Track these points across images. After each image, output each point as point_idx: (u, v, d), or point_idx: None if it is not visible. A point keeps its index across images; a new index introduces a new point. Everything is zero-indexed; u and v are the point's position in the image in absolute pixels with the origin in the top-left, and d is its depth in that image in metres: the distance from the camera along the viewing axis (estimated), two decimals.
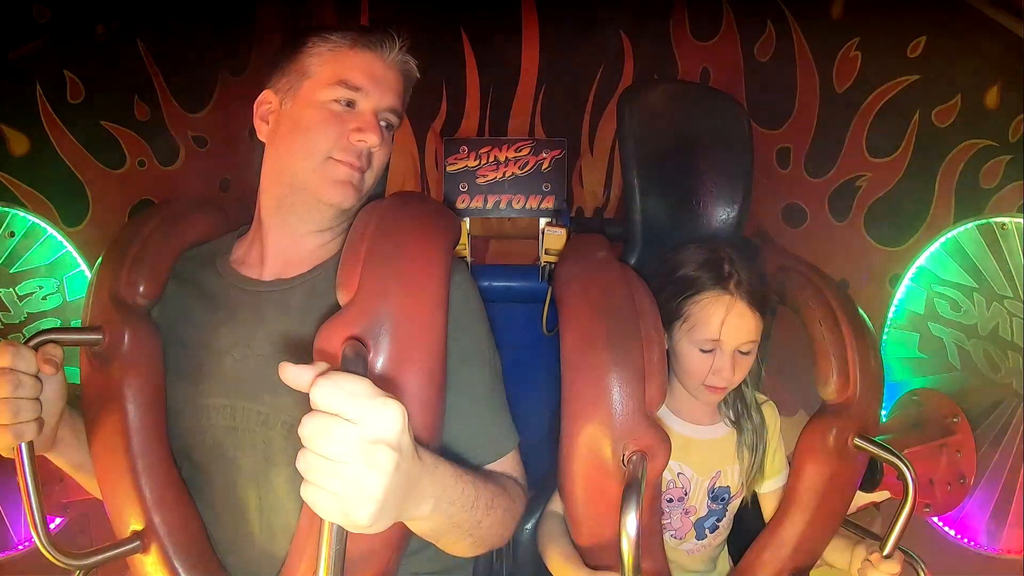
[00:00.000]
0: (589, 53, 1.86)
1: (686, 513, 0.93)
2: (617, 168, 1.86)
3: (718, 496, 0.94)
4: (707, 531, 0.95)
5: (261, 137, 0.81)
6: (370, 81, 0.78)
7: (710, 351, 0.87)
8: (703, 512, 0.94)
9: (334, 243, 0.83)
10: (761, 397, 0.98)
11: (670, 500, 0.92)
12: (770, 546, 0.89)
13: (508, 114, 1.88)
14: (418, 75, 0.84)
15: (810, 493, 0.88)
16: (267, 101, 0.81)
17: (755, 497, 0.99)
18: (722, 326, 0.86)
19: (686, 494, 0.93)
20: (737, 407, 0.95)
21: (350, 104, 0.77)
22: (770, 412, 0.97)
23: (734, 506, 0.96)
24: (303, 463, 0.46)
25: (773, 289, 0.99)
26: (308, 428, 0.46)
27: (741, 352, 0.88)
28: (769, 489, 0.96)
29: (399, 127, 0.85)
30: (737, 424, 0.95)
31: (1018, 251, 1.17)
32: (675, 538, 0.94)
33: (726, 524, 0.96)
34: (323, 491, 0.46)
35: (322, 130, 0.76)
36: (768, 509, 0.97)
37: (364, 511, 0.47)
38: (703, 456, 0.93)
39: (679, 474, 0.92)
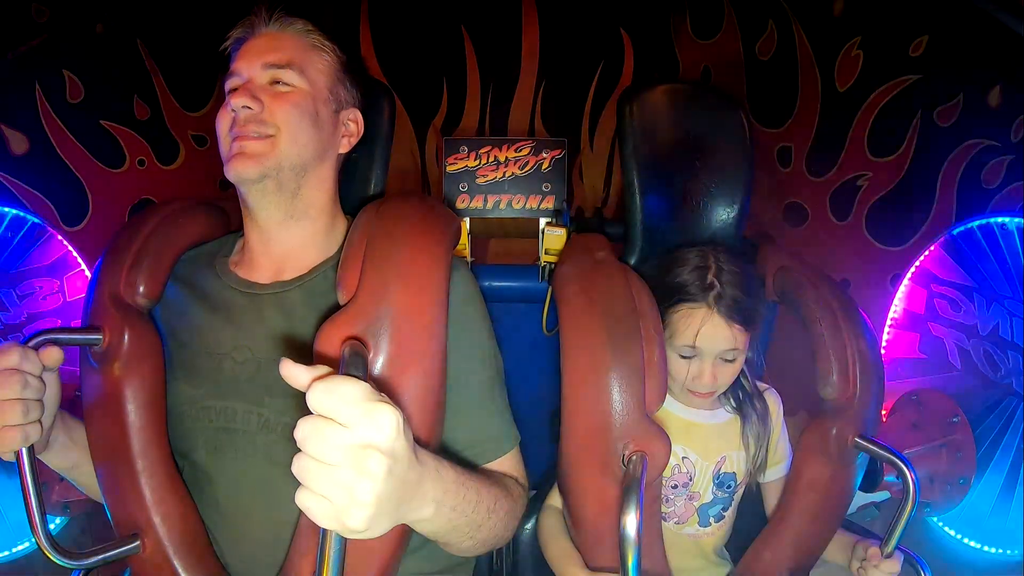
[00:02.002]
0: (589, 51, 1.86)
1: (690, 499, 0.93)
2: (616, 164, 1.86)
3: (723, 482, 0.93)
4: (711, 519, 0.94)
5: None
6: (241, 59, 0.79)
7: (690, 357, 0.88)
8: (708, 499, 0.93)
9: (332, 243, 0.83)
10: (763, 385, 0.98)
11: (675, 486, 0.92)
12: (770, 546, 0.89)
13: (508, 111, 1.88)
14: (301, 23, 0.82)
15: (810, 493, 0.88)
16: None
17: (758, 493, 0.99)
18: (697, 336, 0.87)
19: (691, 479, 0.93)
20: (738, 395, 0.95)
21: (235, 88, 0.78)
22: (772, 400, 0.97)
23: (739, 495, 0.96)
24: (298, 467, 0.46)
25: (773, 289, 0.99)
26: (302, 431, 0.46)
27: (723, 360, 0.88)
28: (771, 478, 0.96)
29: (326, 75, 0.81)
30: (740, 411, 0.95)
31: (1018, 251, 1.17)
32: (678, 524, 0.94)
33: (730, 515, 0.96)
34: (317, 496, 0.46)
35: (218, 120, 0.77)
36: (770, 498, 0.97)
37: (357, 517, 0.47)
38: (707, 440, 0.93)
39: (684, 458, 0.92)
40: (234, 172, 0.75)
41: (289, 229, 0.80)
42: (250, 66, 0.78)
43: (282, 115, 0.76)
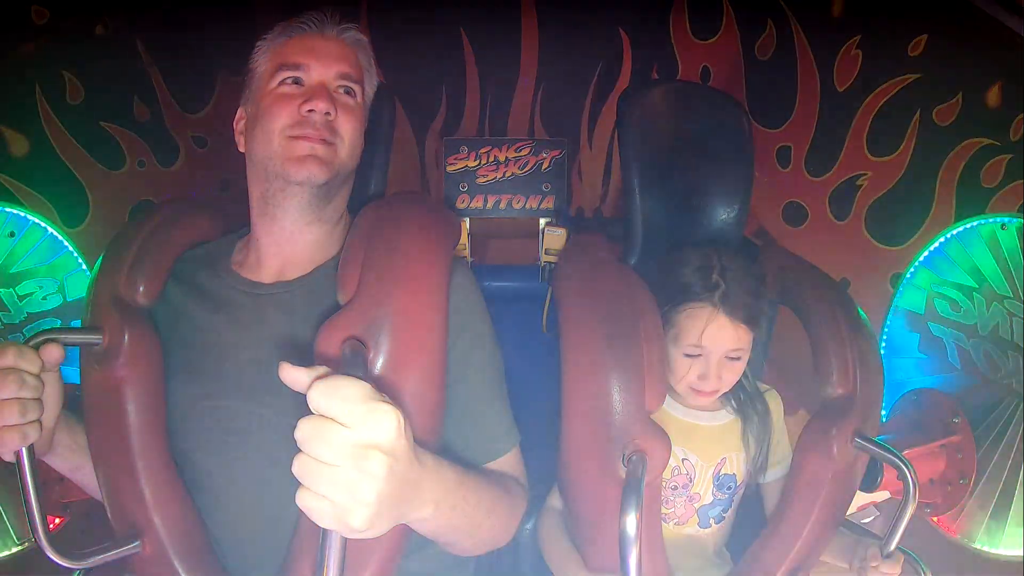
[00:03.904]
0: (588, 51, 1.86)
1: (690, 500, 0.93)
2: (616, 164, 1.86)
3: (724, 484, 0.93)
4: (712, 520, 0.94)
5: (241, 150, 0.83)
6: (310, 55, 0.79)
7: (695, 356, 0.88)
8: (708, 500, 0.93)
9: (333, 244, 0.83)
10: (764, 386, 0.98)
11: (675, 487, 0.92)
12: (770, 546, 0.88)
13: (508, 113, 1.88)
14: (365, 39, 0.85)
15: (810, 493, 0.87)
16: (240, 118, 0.85)
17: (758, 493, 0.99)
18: (702, 335, 0.86)
19: (691, 480, 0.93)
20: (739, 396, 0.95)
21: (297, 82, 0.79)
22: (773, 400, 0.97)
23: (739, 496, 0.96)
24: (298, 467, 0.46)
25: (773, 289, 0.99)
26: (303, 431, 0.46)
27: (729, 358, 0.88)
28: (772, 479, 0.96)
29: (371, 96, 0.86)
30: (741, 412, 0.95)
31: (1018, 251, 1.17)
32: (677, 524, 0.94)
33: (731, 516, 0.96)
34: (317, 496, 0.46)
35: (274, 111, 0.77)
36: (770, 499, 0.96)
37: (358, 517, 0.47)
38: (706, 442, 0.93)
39: (683, 460, 0.92)
40: (305, 173, 0.75)
41: (311, 232, 0.81)
42: (325, 69, 0.79)
43: (347, 127, 0.79)
